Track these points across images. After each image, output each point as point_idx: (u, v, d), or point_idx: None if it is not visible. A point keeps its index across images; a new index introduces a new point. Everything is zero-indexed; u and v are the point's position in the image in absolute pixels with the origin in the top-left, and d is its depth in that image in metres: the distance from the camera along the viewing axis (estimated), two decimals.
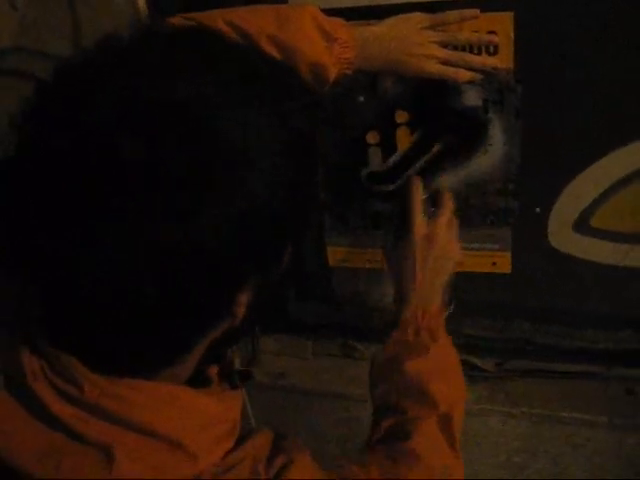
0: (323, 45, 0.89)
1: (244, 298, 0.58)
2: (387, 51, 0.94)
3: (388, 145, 1.10)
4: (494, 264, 1.16)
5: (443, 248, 0.96)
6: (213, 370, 0.71)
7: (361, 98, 1.07)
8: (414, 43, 0.95)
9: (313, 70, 0.90)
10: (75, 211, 0.50)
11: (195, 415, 0.60)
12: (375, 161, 1.12)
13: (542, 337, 1.21)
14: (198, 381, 0.66)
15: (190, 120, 0.51)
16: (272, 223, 0.55)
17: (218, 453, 0.61)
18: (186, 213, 0.50)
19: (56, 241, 0.50)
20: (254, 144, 0.53)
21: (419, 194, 0.98)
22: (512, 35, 0.96)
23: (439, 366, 0.91)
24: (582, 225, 1.08)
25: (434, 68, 0.96)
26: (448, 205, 0.99)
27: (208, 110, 0.52)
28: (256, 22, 0.86)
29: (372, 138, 1.11)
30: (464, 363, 1.21)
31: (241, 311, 0.59)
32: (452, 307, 1.02)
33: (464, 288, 1.20)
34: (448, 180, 1.10)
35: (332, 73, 0.91)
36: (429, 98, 1.05)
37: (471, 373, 1.22)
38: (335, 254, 1.24)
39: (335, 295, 1.28)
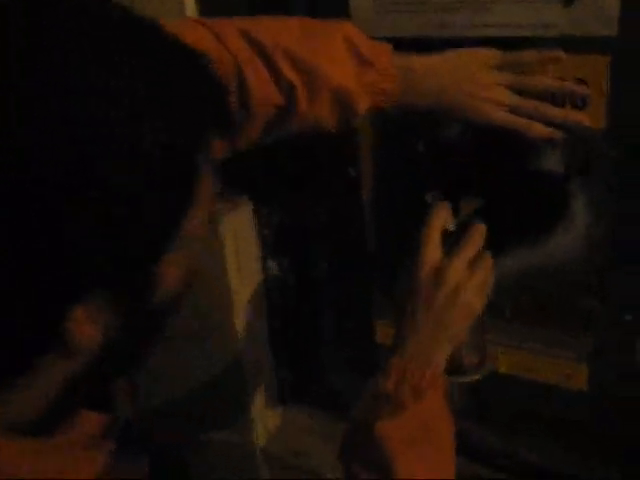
0: (353, 69, 0.75)
1: (79, 314, 0.44)
2: (440, 88, 0.77)
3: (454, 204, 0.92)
4: (567, 376, 0.92)
5: (454, 292, 0.72)
6: (92, 420, 0.56)
7: (420, 147, 0.91)
8: (477, 83, 0.77)
9: (337, 96, 0.75)
10: None
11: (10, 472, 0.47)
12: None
13: None
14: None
15: None
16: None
17: None
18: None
19: None
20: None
21: (439, 220, 0.75)
22: (606, 85, 0.76)
23: (416, 434, 0.69)
24: None
25: (500, 116, 0.78)
26: (474, 240, 0.75)
27: None
28: (274, 33, 0.74)
29: (431, 199, 0.93)
30: None
31: (77, 337, 0.45)
32: (486, 371, 0.79)
33: (528, 399, 0.97)
34: (515, 262, 0.89)
35: (363, 103, 0.76)
36: (500, 155, 0.85)
37: None
38: (383, 330, 1.06)
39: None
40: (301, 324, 1.15)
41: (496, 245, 0.89)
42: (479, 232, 0.76)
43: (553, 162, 0.82)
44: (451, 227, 0.76)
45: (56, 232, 0.41)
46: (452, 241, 0.75)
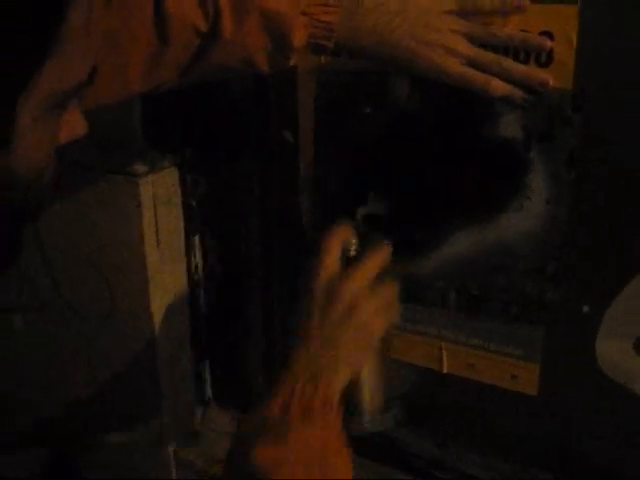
0: None
1: None
2: (388, 29, 0.68)
3: (395, 178, 0.82)
4: (514, 378, 0.81)
5: (350, 310, 0.65)
6: None
7: (368, 109, 0.81)
8: (431, 27, 0.68)
9: (269, 23, 0.66)
10: None
11: None
12: (376, 199, 0.84)
13: None
14: None
15: None
16: None
17: None
18: None
19: None
20: None
21: (339, 236, 0.69)
22: (574, 40, 0.67)
23: (303, 462, 0.60)
24: None
25: (455, 68, 0.69)
26: (375, 259, 0.69)
27: None
28: None
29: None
30: None
31: None
32: (389, 414, 0.72)
33: (469, 401, 0.87)
34: (462, 238, 0.79)
35: (298, 35, 0.66)
36: (452, 119, 0.76)
37: None
38: None
39: None
40: (226, 315, 1.03)
41: (442, 223, 0.80)
42: (382, 252, 0.69)
43: (511, 127, 0.73)
44: (352, 252, 0.70)
45: None
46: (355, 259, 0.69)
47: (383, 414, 0.71)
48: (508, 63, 0.69)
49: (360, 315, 0.66)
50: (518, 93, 0.70)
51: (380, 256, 0.69)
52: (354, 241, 0.69)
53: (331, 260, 0.67)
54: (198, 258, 0.99)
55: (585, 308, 0.75)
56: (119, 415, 1.06)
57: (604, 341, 0.74)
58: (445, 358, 0.85)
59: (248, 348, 1.04)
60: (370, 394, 0.70)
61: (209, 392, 1.08)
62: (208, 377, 1.07)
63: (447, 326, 0.84)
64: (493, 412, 0.85)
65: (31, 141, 0.43)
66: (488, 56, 0.69)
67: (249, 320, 1.03)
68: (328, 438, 0.62)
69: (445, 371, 0.86)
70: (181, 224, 0.96)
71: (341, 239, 0.69)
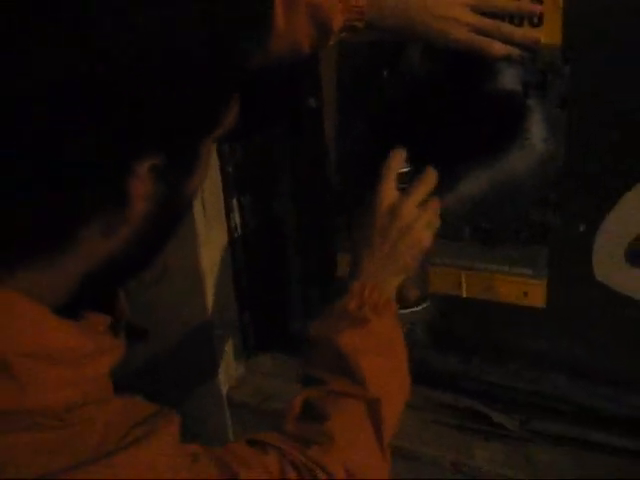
0: None
1: (138, 188, 0.47)
2: (405, 7, 0.81)
3: (412, 132, 0.95)
4: (525, 294, 0.96)
5: (408, 227, 0.80)
6: (100, 320, 0.58)
7: (385, 74, 0.94)
8: (440, 2, 0.81)
9: (313, 12, 0.78)
10: None
11: (43, 342, 0.48)
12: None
13: (582, 396, 0.97)
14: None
15: None
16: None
17: (58, 397, 0.48)
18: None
19: None
20: None
21: (396, 164, 0.83)
22: (561, 3, 0.80)
23: (377, 345, 0.76)
24: (638, 254, 0.87)
25: (462, 35, 0.81)
26: (425, 183, 0.83)
27: None
28: None
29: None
30: (480, 416, 1.01)
31: (133, 211, 0.48)
32: (426, 304, 0.88)
33: (486, 320, 1.01)
34: (472, 180, 0.93)
35: (337, 21, 0.79)
36: (458, 76, 0.89)
37: (487, 428, 1.00)
38: (345, 263, 1.08)
39: None
40: (264, 267, 1.16)
41: (456, 160, 0.93)
42: (431, 176, 0.84)
43: (511, 79, 0.86)
44: (405, 169, 0.84)
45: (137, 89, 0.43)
46: (405, 181, 0.83)
47: (422, 305, 0.88)
48: (506, 27, 0.82)
49: (415, 232, 0.80)
50: (516, 52, 0.83)
51: (430, 180, 0.83)
52: (405, 163, 0.83)
53: (390, 186, 0.81)
54: (237, 218, 1.11)
55: (581, 227, 0.89)
56: (176, 365, 1.18)
57: (599, 254, 0.89)
58: (464, 284, 0.99)
59: (285, 297, 1.17)
60: (412, 289, 0.87)
61: (252, 339, 1.21)
62: (251, 325, 1.20)
63: (463, 256, 0.98)
64: (509, 328, 0.99)
65: (202, 167, 0.54)
66: (489, 22, 0.82)
67: (285, 271, 1.16)
68: (392, 327, 0.79)
69: (465, 295, 1.00)
70: (220, 188, 1.08)
71: (397, 163, 0.82)
